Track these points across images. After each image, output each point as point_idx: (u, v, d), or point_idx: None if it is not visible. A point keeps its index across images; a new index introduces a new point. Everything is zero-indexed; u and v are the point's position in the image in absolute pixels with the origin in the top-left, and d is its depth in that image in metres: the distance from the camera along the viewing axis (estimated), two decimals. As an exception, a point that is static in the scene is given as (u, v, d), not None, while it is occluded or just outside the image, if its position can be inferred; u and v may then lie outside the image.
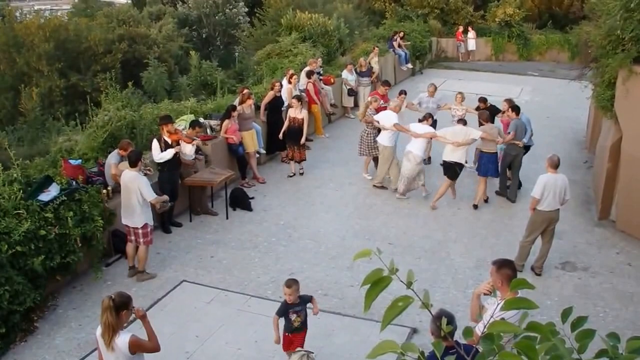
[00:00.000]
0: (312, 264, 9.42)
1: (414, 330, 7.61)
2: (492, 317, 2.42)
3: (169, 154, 9.98)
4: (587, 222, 11.18)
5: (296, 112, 12.59)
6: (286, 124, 12.77)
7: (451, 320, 4.34)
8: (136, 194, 8.45)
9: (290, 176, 12.96)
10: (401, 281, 1.84)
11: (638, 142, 10.19)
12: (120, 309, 5.04)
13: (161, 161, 10.04)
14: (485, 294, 5.40)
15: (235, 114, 12.12)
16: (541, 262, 9.24)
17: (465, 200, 11.79)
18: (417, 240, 10.30)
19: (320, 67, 16.67)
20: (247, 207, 11.35)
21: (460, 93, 13.69)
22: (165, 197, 9.15)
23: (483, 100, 13.32)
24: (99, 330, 5.18)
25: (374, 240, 10.14)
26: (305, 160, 13.08)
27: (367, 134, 12.42)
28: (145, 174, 9.48)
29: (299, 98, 12.92)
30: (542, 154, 11.89)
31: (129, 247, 8.86)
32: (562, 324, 1.92)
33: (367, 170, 12.96)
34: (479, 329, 3.26)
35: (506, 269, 5.29)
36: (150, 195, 8.56)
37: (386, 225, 10.85)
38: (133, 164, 8.60)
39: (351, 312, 8.04)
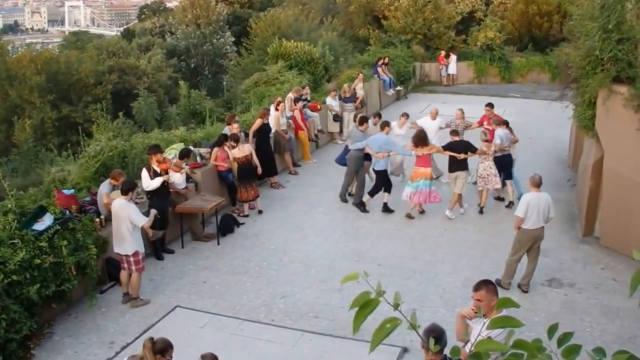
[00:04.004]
0: (303, 287, 9.55)
1: (405, 350, 7.72)
2: (479, 335, 2.58)
3: (156, 182, 10.14)
4: (572, 239, 11.34)
5: (240, 152, 12.22)
6: (235, 166, 12.28)
7: (441, 335, 4.38)
8: (125, 222, 8.60)
9: (246, 215, 12.29)
10: (388, 303, 1.89)
11: (619, 159, 10.38)
12: (157, 352, 5.48)
13: (149, 189, 10.20)
14: (469, 319, 5.52)
15: (227, 143, 12.30)
16: (528, 280, 9.37)
17: (451, 222, 12.00)
18: (406, 261, 10.45)
19: (307, 94, 16.91)
20: (231, 229, 11.51)
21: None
22: (154, 212, 9.27)
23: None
24: None
25: (363, 262, 10.27)
26: (258, 196, 12.51)
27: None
28: (137, 203, 9.63)
29: (235, 139, 12.30)
30: (526, 174, 12.11)
31: (123, 275, 8.97)
32: (549, 340, 1.95)
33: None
34: (467, 347, 3.37)
35: (490, 285, 5.42)
36: (141, 221, 8.71)
37: (375, 247, 11.01)
38: (125, 193, 8.76)
39: (342, 334, 8.14)
